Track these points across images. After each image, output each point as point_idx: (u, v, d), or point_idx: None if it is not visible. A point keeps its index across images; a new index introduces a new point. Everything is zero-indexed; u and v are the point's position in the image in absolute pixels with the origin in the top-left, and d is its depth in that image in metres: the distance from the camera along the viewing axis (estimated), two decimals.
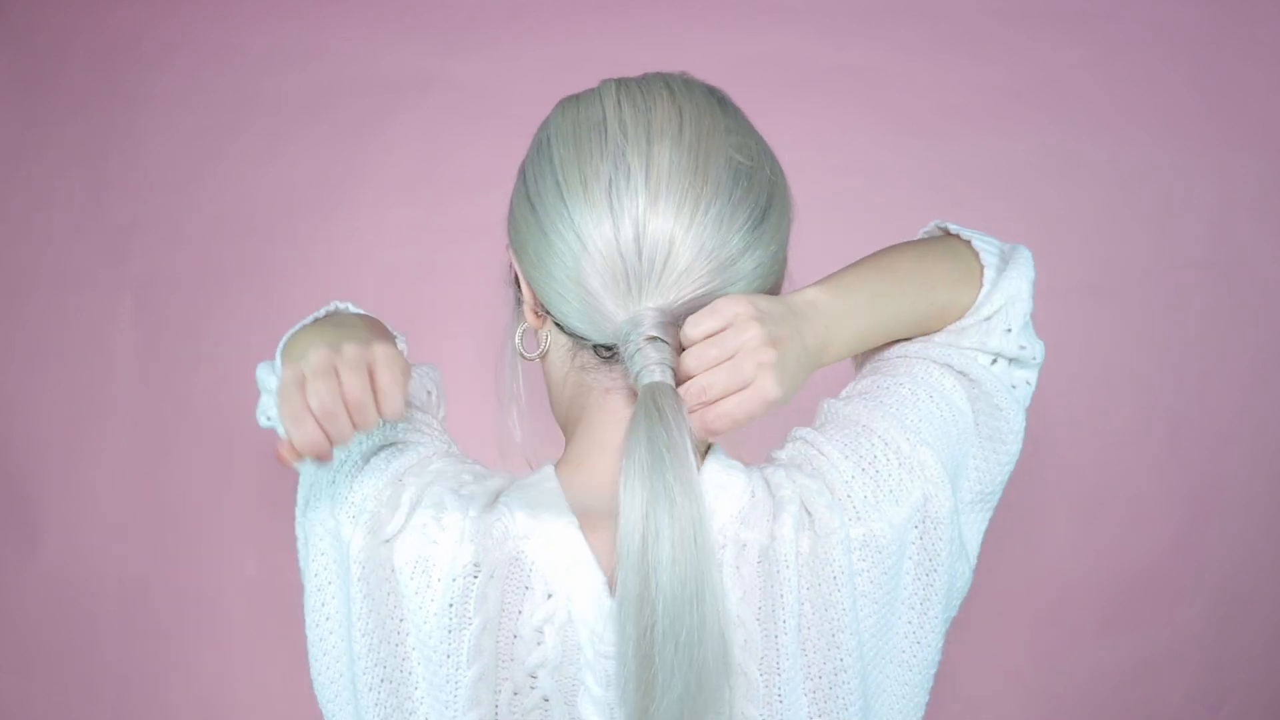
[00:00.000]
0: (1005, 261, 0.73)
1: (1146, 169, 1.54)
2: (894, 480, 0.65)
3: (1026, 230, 1.56)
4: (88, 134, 1.64)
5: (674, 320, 0.62)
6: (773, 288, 0.69)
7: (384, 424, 0.70)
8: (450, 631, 0.62)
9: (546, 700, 0.63)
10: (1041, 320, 1.57)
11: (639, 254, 0.61)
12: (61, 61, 1.65)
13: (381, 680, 0.65)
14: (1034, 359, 0.73)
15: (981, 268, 0.72)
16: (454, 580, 0.62)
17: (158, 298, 1.64)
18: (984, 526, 0.73)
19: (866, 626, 0.65)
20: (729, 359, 0.60)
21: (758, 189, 0.65)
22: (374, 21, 1.61)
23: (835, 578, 0.62)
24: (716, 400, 0.60)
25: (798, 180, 1.70)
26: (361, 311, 0.81)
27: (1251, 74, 1.53)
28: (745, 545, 0.62)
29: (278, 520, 1.48)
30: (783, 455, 0.68)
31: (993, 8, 1.55)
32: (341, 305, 0.81)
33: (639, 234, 0.61)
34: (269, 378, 0.74)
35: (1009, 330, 0.71)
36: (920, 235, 0.80)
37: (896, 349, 0.72)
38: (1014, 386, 0.72)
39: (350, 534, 0.65)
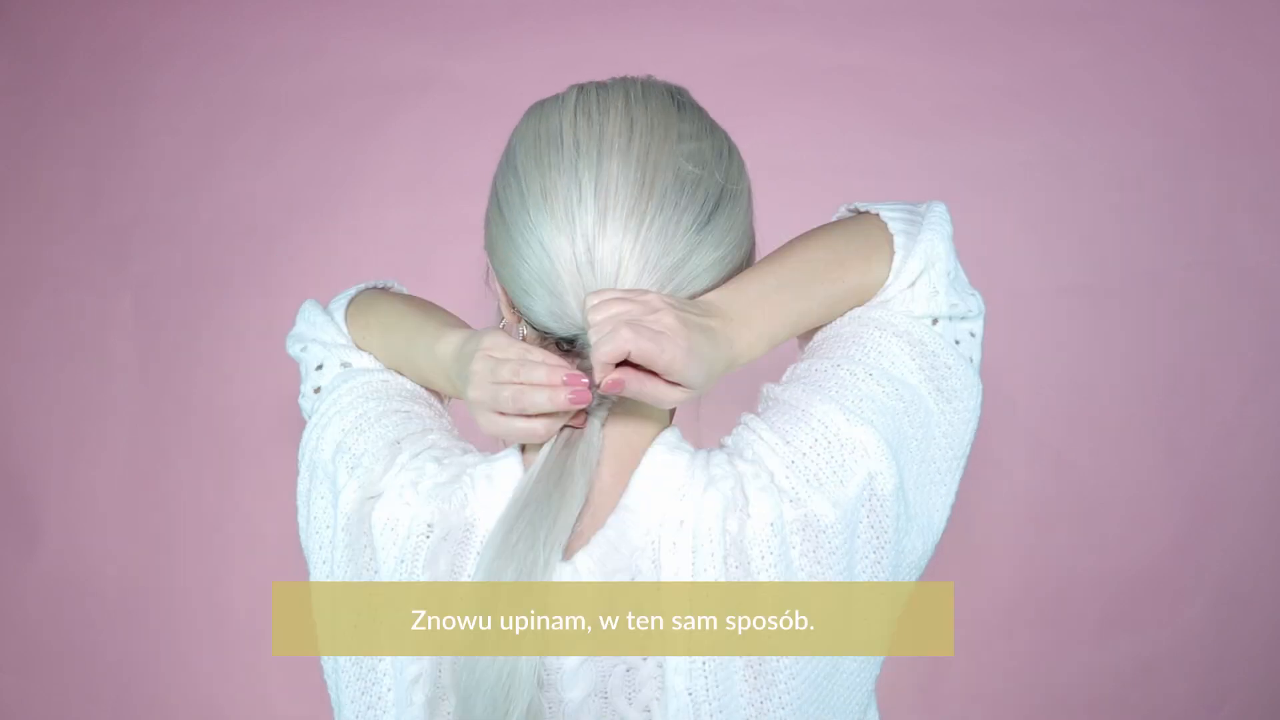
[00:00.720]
0: (917, 225, 0.72)
1: (1146, 169, 1.54)
2: (836, 461, 0.65)
3: (1027, 230, 1.56)
4: (88, 134, 1.64)
5: None
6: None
7: (400, 395, 0.77)
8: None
9: None
10: (1042, 320, 1.59)
11: (591, 267, 0.65)
12: (61, 61, 1.65)
13: (354, 626, 0.69)
14: (970, 311, 0.72)
15: (890, 237, 0.71)
16: (408, 539, 0.67)
17: (158, 298, 1.64)
18: (955, 489, 0.72)
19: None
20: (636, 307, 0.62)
21: (705, 193, 0.67)
22: (374, 21, 1.61)
23: (763, 557, 0.63)
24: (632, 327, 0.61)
25: (798, 180, 1.69)
26: (406, 291, 0.90)
27: (1251, 74, 1.53)
28: (682, 521, 0.64)
29: (278, 519, 1.48)
30: (729, 441, 0.70)
31: (993, 8, 1.55)
32: (397, 286, 0.90)
33: (590, 250, 0.64)
34: (325, 328, 0.82)
35: (935, 293, 0.70)
36: (833, 220, 0.79)
37: (836, 323, 0.72)
38: (958, 341, 0.72)
39: (344, 483, 0.70)
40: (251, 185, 1.63)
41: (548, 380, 0.64)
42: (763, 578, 0.63)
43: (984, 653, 1.58)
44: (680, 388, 0.63)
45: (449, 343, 0.71)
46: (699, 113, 0.70)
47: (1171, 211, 1.54)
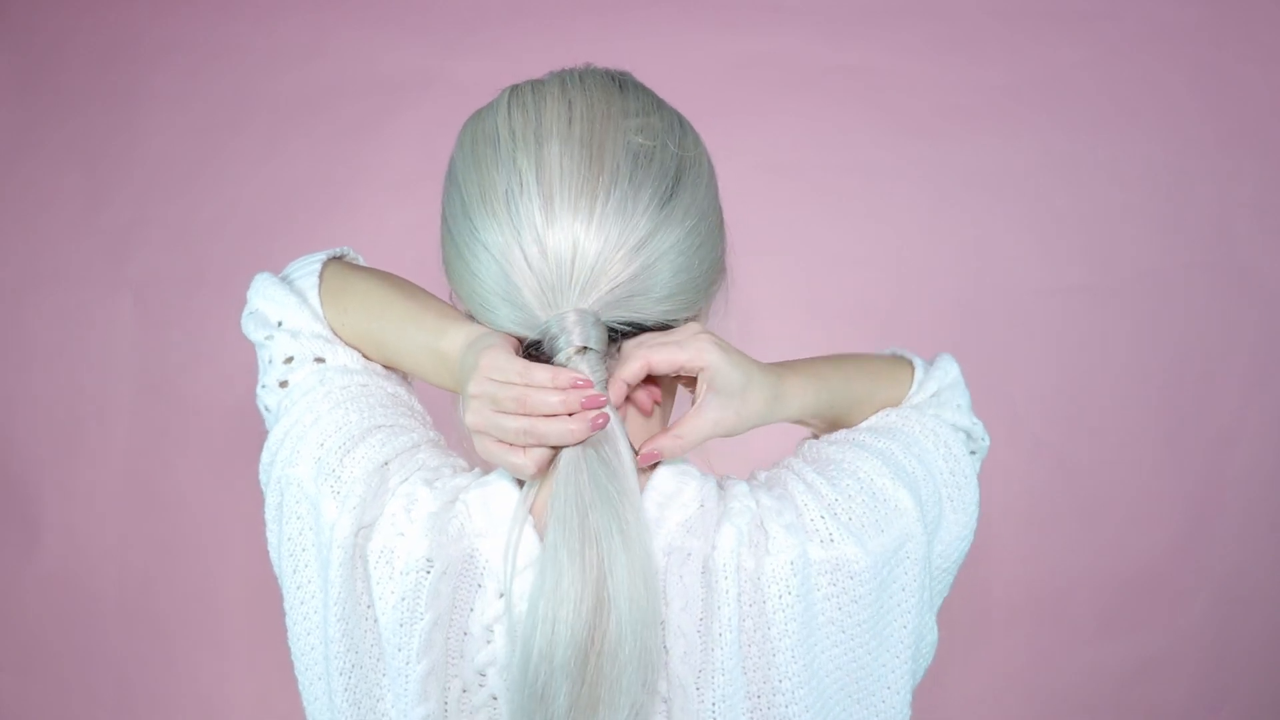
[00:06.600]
0: (930, 362, 0.80)
1: (1146, 169, 1.54)
2: (877, 513, 0.65)
3: (1027, 230, 1.56)
4: (88, 134, 1.64)
5: (597, 320, 0.62)
6: (708, 266, 0.66)
7: (382, 404, 0.71)
8: (402, 625, 0.63)
9: (495, 699, 0.63)
10: (1042, 320, 1.58)
11: (545, 259, 0.60)
12: (61, 61, 1.65)
13: (353, 666, 0.65)
14: (983, 440, 0.78)
15: (909, 360, 0.79)
16: (406, 574, 0.63)
17: (158, 298, 1.64)
18: (938, 604, 0.74)
19: (831, 656, 0.64)
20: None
21: (661, 167, 0.62)
22: (374, 21, 1.61)
23: (781, 596, 0.61)
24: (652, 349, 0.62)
25: (798, 180, 1.68)
26: (364, 264, 0.82)
27: (1251, 74, 1.53)
28: (690, 554, 0.62)
29: None
30: (762, 475, 0.69)
31: (993, 8, 1.55)
32: (351, 254, 0.82)
33: (540, 242, 0.60)
34: (279, 298, 0.74)
35: (959, 407, 0.76)
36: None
37: (874, 415, 0.75)
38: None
39: (335, 516, 0.65)
40: (251, 185, 1.63)
41: (564, 407, 0.59)
42: (778, 616, 0.61)
43: (984, 653, 1.58)
44: (708, 417, 0.63)
45: (453, 342, 0.66)
46: (644, 92, 0.67)
47: (1171, 211, 1.54)
